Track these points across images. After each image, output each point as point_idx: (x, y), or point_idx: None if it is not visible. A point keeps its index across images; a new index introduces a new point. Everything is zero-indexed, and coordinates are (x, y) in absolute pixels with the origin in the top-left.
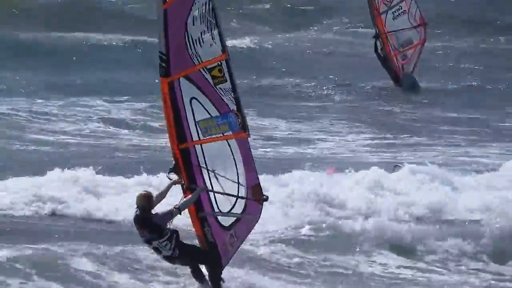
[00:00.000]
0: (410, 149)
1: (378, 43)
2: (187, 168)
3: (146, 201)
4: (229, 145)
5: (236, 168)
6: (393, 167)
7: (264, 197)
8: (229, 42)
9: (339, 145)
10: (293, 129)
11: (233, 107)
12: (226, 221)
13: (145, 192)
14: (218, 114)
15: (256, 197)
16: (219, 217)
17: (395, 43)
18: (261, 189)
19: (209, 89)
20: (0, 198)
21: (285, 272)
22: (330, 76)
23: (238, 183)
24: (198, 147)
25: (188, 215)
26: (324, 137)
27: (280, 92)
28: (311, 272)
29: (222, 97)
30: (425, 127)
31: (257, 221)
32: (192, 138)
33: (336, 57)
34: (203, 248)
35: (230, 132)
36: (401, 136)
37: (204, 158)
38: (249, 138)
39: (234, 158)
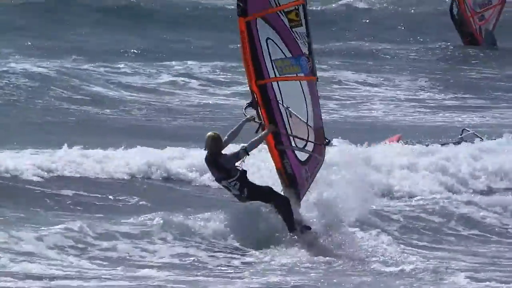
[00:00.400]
0: None
1: (454, 5)
2: (265, 103)
3: (213, 143)
4: (301, 86)
5: (306, 109)
6: (461, 131)
7: (327, 140)
8: None
9: None
10: None
11: (305, 50)
12: (302, 156)
13: (213, 134)
14: (291, 55)
15: (319, 141)
16: (296, 152)
17: (472, 3)
18: (324, 133)
19: (285, 31)
20: None
21: None
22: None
23: (307, 124)
24: (275, 84)
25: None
26: None
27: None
28: None
29: (296, 40)
30: None
31: (322, 164)
32: (269, 75)
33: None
34: (283, 182)
35: (302, 74)
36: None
37: (281, 95)
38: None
39: (305, 99)
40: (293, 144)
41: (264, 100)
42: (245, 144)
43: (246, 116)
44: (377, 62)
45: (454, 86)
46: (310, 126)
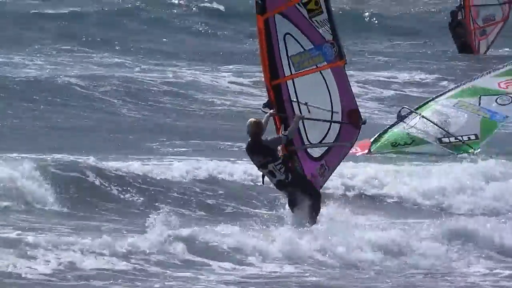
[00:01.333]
0: None
1: (460, 13)
2: (278, 104)
3: (256, 127)
4: (322, 76)
5: (330, 97)
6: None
7: (362, 120)
8: None
9: None
10: None
11: (328, 37)
12: (317, 152)
13: (254, 119)
14: (312, 47)
15: (352, 120)
16: (308, 150)
17: (477, 17)
18: (359, 113)
19: (304, 23)
20: None
21: None
22: None
23: (332, 111)
24: (290, 82)
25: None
26: None
27: None
28: None
29: (317, 29)
30: None
31: (352, 146)
32: (284, 73)
33: None
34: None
35: (325, 63)
36: None
37: (296, 92)
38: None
39: (328, 88)
40: (307, 142)
41: (277, 100)
42: (285, 132)
43: (265, 113)
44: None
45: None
46: (337, 112)
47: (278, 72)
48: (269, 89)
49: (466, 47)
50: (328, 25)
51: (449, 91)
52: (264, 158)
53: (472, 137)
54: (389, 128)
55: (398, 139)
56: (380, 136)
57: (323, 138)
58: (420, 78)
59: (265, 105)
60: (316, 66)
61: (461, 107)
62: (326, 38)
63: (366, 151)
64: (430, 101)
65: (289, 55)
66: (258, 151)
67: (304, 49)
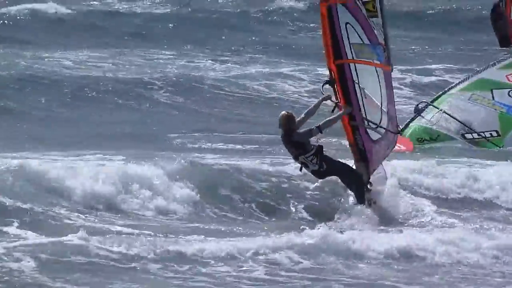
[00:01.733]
0: None
1: (501, 3)
2: (342, 82)
3: (287, 121)
4: (377, 72)
5: (381, 94)
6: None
7: (399, 129)
8: None
9: None
10: None
11: (381, 40)
12: (373, 135)
13: (286, 112)
14: (369, 43)
15: (394, 129)
16: (368, 130)
17: None
18: (397, 121)
19: (363, 19)
20: None
21: None
22: None
23: (382, 108)
24: (352, 65)
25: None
26: None
27: None
28: None
29: (373, 29)
30: None
31: (392, 149)
32: (347, 55)
33: None
34: (355, 155)
35: (378, 62)
36: None
37: (357, 76)
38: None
39: (380, 85)
40: (366, 124)
41: (341, 78)
42: (320, 123)
43: (323, 94)
44: None
45: None
46: (384, 111)
47: (341, 53)
48: (332, 68)
49: (506, 40)
50: (382, 30)
51: (459, 83)
52: (296, 150)
53: (494, 133)
54: (409, 122)
55: (423, 135)
56: (401, 131)
57: (377, 127)
58: (458, 70)
59: (325, 83)
60: (373, 61)
61: (476, 100)
62: (379, 40)
63: (411, 147)
64: (442, 94)
65: (350, 42)
66: (289, 143)
67: (363, 42)
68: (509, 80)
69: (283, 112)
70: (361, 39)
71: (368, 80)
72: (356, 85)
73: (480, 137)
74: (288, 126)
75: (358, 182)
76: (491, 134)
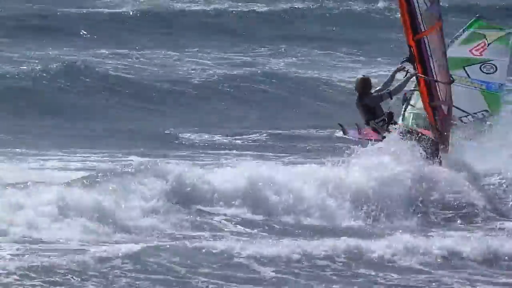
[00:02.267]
0: None
1: None
2: (420, 57)
3: (362, 84)
4: (443, 42)
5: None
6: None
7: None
8: None
9: None
10: None
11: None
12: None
13: (363, 76)
14: (429, 5)
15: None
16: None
17: None
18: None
19: None
20: None
21: None
22: None
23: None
24: (425, 38)
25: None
26: None
27: None
28: None
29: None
30: None
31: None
32: (422, 29)
33: None
34: (434, 135)
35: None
36: None
37: (429, 48)
38: None
39: (445, 55)
40: (441, 98)
41: (420, 54)
42: (391, 88)
43: (399, 68)
44: None
45: None
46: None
47: (418, 28)
48: (412, 45)
49: None
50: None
51: None
52: (367, 115)
53: (486, 113)
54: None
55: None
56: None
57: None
58: None
59: (404, 60)
60: (434, 24)
61: (455, 81)
62: None
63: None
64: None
65: (420, 12)
66: (361, 107)
67: (427, 6)
68: (473, 54)
69: (359, 75)
70: (425, 3)
71: (436, 52)
72: (431, 59)
73: (475, 118)
74: (362, 89)
75: (434, 149)
76: (483, 114)
